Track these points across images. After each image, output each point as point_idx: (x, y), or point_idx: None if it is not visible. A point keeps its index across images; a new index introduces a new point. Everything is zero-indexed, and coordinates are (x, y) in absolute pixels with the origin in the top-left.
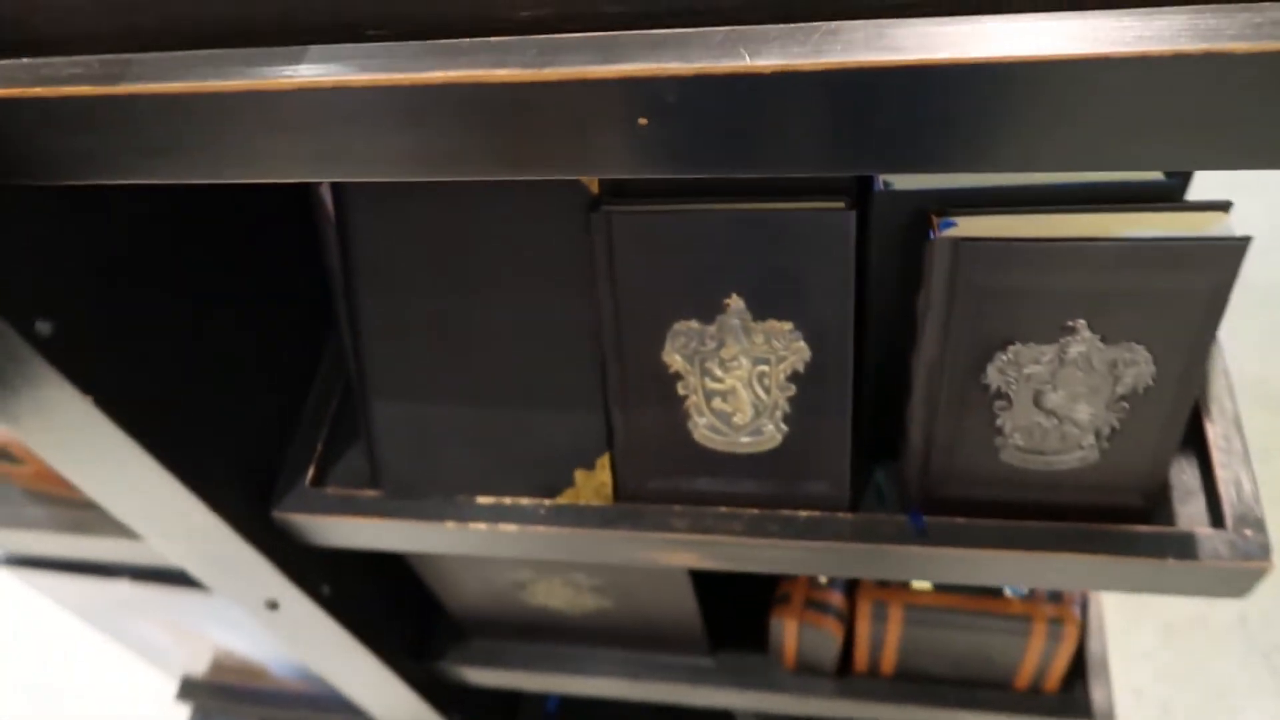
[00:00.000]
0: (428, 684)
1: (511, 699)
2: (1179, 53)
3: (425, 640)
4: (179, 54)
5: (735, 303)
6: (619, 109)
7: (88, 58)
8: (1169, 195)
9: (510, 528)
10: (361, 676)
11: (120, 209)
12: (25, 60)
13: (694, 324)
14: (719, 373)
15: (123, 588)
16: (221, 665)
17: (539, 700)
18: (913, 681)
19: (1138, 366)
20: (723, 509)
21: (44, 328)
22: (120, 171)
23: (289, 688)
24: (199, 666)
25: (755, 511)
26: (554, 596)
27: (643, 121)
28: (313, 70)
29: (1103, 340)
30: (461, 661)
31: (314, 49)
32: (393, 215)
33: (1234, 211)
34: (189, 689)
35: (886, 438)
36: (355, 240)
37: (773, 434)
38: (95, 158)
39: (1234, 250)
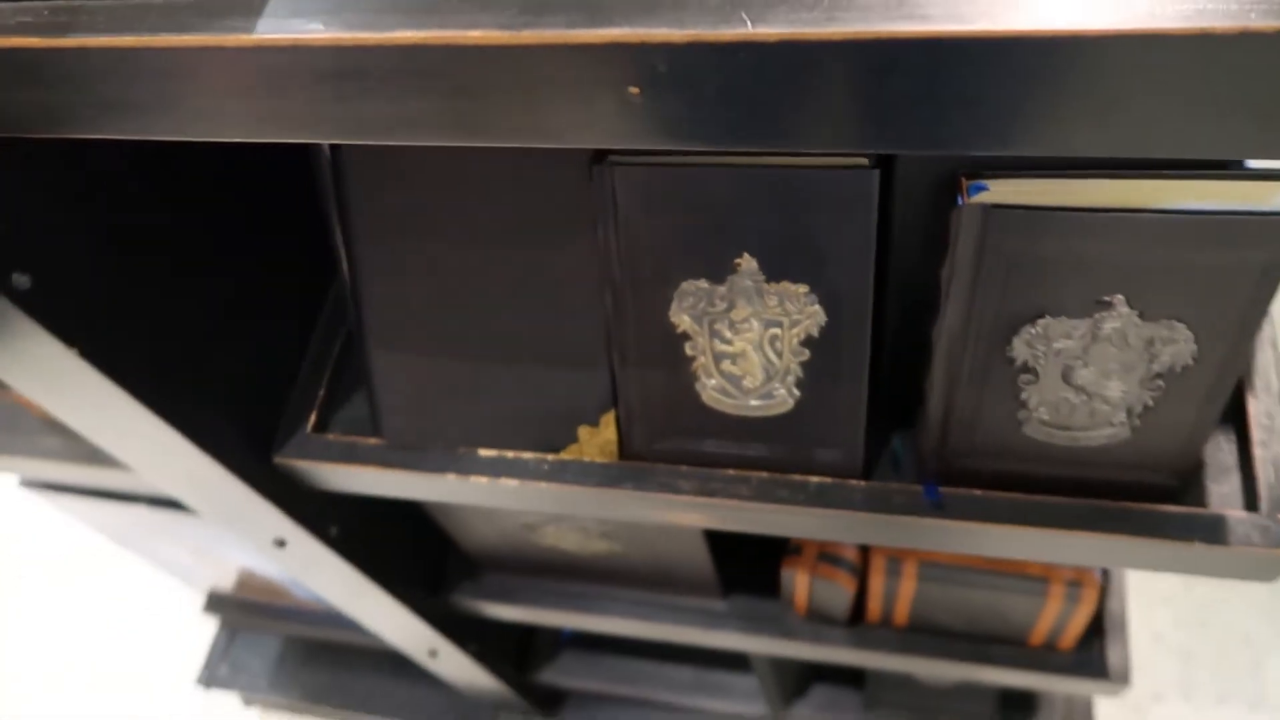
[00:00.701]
0: (442, 616)
1: (527, 627)
2: (1247, 30)
3: (439, 574)
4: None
5: (747, 263)
6: (607, 77)
7: (38, 3)
8: (1224, 161)
9: (511, 482)
10: (374, 609)
11: (102, 157)
12: None
13: (703, 284)
14: (729, 334)
15: (141, 512)
16: (246, 583)
17: (554, 629)
18: (925, 633)
19: (1177, 345)
20: (730, 472)
21: (21, 280)
22: (74, 126)
23: (311, 607)
24: (224, 583)
25: (764, 475)
26: (564, 539)
27: (634, 91)
28: (270, 25)
29: (1141, 316)
30: (476, 596)
31: (273, 5)
32: (391, 162)
33: None
34: (215, 603)
35: (905, 403)
36: (352, 186)
37: (784, 398)
38: (47, 111)
39: None
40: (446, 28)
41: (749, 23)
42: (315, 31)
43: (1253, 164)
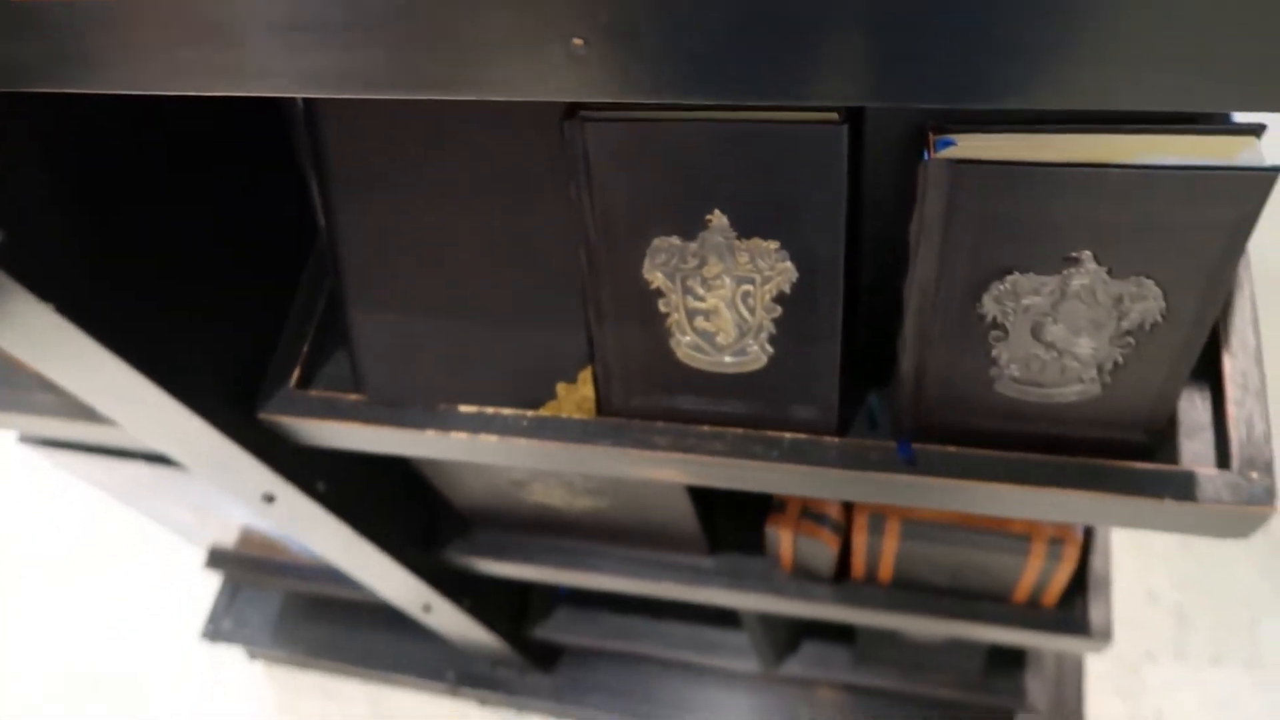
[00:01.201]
0: (435, 572)
1: (524, 584)
2: None
3: (430, 530)
4: None
5: (718, 219)
6: (551, 28)
7: None
8: (1198, 115)
9: (491, 438)
10: (365, 564)
11: (80, 111)
12: None
13: (675, 240)
14: (701, 291)
15: (138, 469)
16: (246, 539)
17: (551, 586)
18: (909, 589)
19: (1146, 302)
20: (706, 428)
21: None
22: (29, 80)
23: (309, 562)
24: (225, 540)
25: (739, 432)
26: (551, 496)
27: (578, 42)
28: None
29: (1109, 273)
30: (466, 552)
31: None
32: (365, 120)
33: (1268, 135)
34: (217, 559)
35: (882, 360)
36: (328, 142)
37: (758, 355)
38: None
39: (1261, 182)
40: None
41: None
42: None
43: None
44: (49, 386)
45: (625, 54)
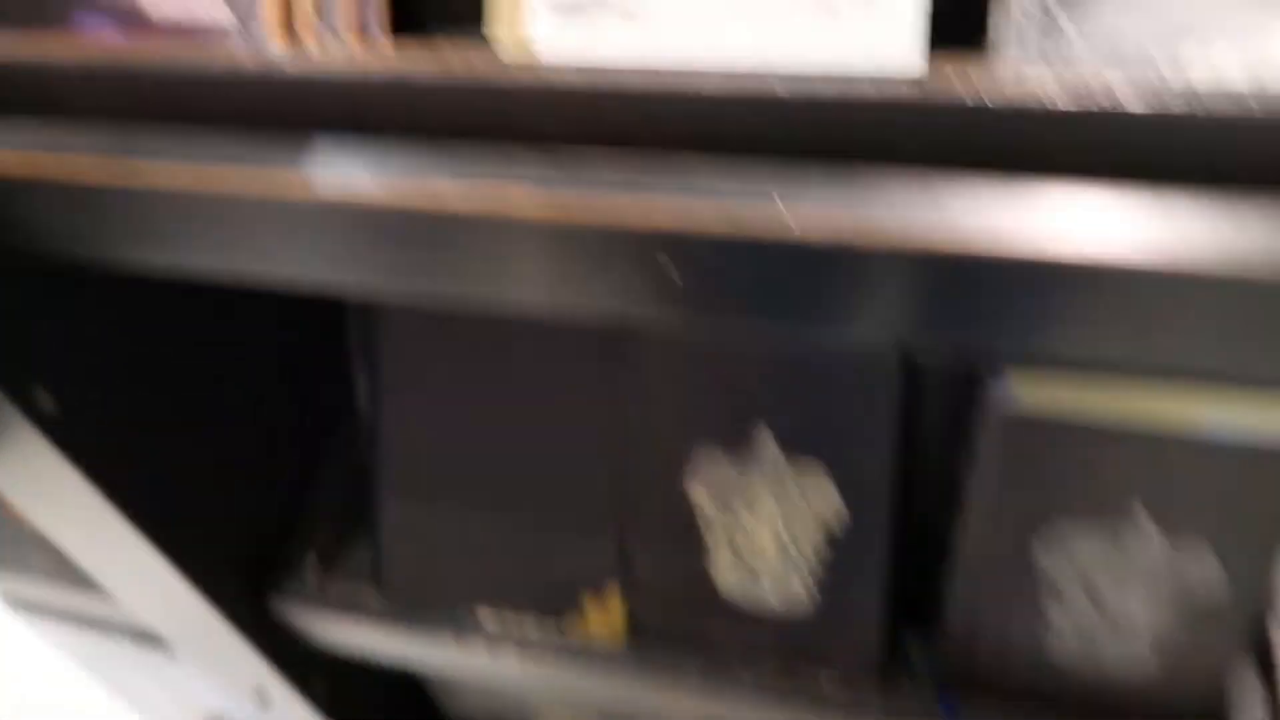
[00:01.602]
0: None
1: None
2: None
3: None
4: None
5: (766, 443)
6: (640, 256)
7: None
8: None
9: (512, 657)
10: None
11: (130, 288)
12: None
13: (721, 459)
14: (745, 517)
15: (125, 647)
16: None
17: None
18: None
19: (1201, 567)
20: (738, 663)
21: (45, 401)
22: (106, 259)
23: None
24: None
25: (774, 670)
26: (558, 718)
27: (666, 266)
28: (320, 171)
29: (1164, 535)
30: None
31: (321, 140)
32: (419, 321)
33: None
34: None
35: (923, 599)
36: (385, 336)
37: (799, 591)
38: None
39: None
40: (497, 179)
41: (787, 215)
42: (364, 186)
43: None
44: (42, 547)
45: (713, 284)
